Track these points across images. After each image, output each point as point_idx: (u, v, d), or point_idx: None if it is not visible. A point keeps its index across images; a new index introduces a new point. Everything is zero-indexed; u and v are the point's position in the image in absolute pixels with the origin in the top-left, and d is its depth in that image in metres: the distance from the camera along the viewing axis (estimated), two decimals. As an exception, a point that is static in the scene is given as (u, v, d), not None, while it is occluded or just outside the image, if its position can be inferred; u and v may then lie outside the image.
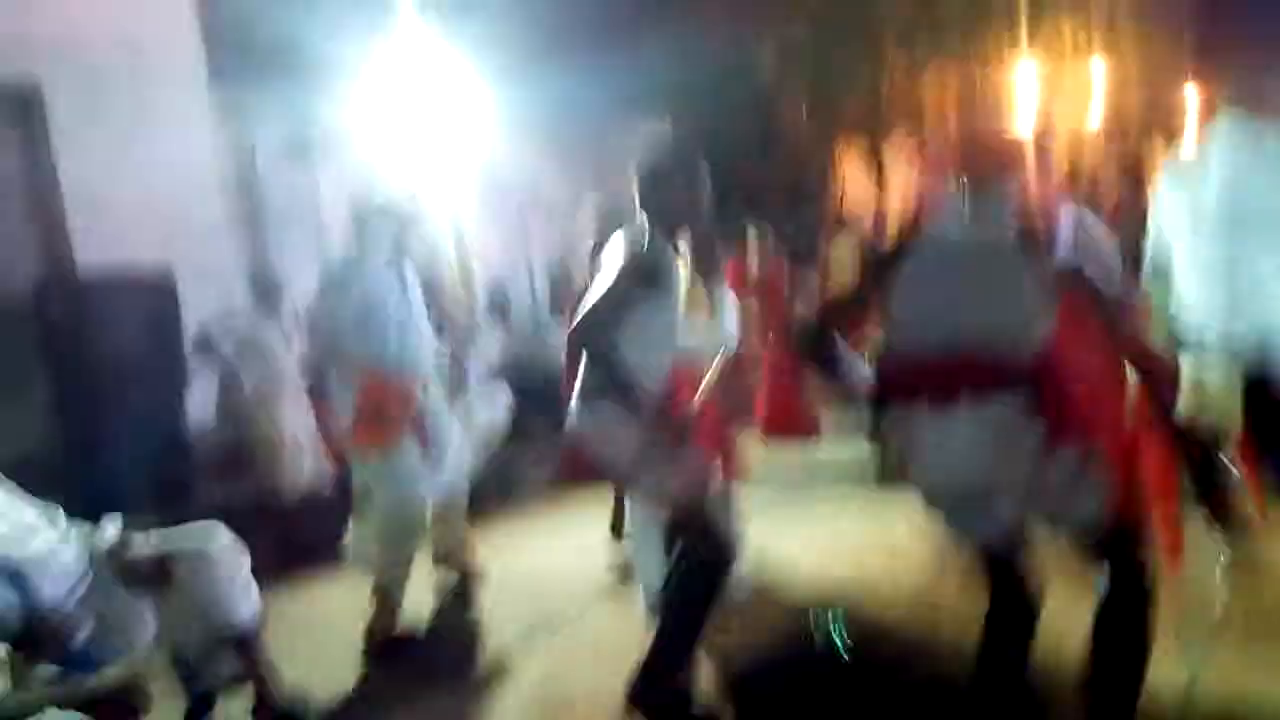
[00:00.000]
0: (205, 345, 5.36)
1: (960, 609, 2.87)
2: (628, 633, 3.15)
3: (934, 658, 2.74)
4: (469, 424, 4.21)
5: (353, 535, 3.57)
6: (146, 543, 2.71)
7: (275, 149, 7.03)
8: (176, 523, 2.91)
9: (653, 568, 3.25)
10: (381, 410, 3.37)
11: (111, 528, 2.71)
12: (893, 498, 4.16)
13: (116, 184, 5.32)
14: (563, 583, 3.90)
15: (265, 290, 5.57)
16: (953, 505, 1.90)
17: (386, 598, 3.38)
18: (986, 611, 1.95)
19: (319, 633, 3.65)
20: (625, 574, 3.68)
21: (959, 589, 3.01)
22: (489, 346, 6.16)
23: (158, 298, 5.44)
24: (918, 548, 3.47)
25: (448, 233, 6.53)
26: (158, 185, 5.49)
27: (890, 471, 4.45)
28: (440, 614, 3.65)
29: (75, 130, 5.37)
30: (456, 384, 5.33)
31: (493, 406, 5.42)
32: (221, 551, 2.78)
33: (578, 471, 3.63)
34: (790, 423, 5.82)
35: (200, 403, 5.51)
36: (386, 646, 3.36)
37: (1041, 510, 1.96)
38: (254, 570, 2.87)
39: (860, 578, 3.46)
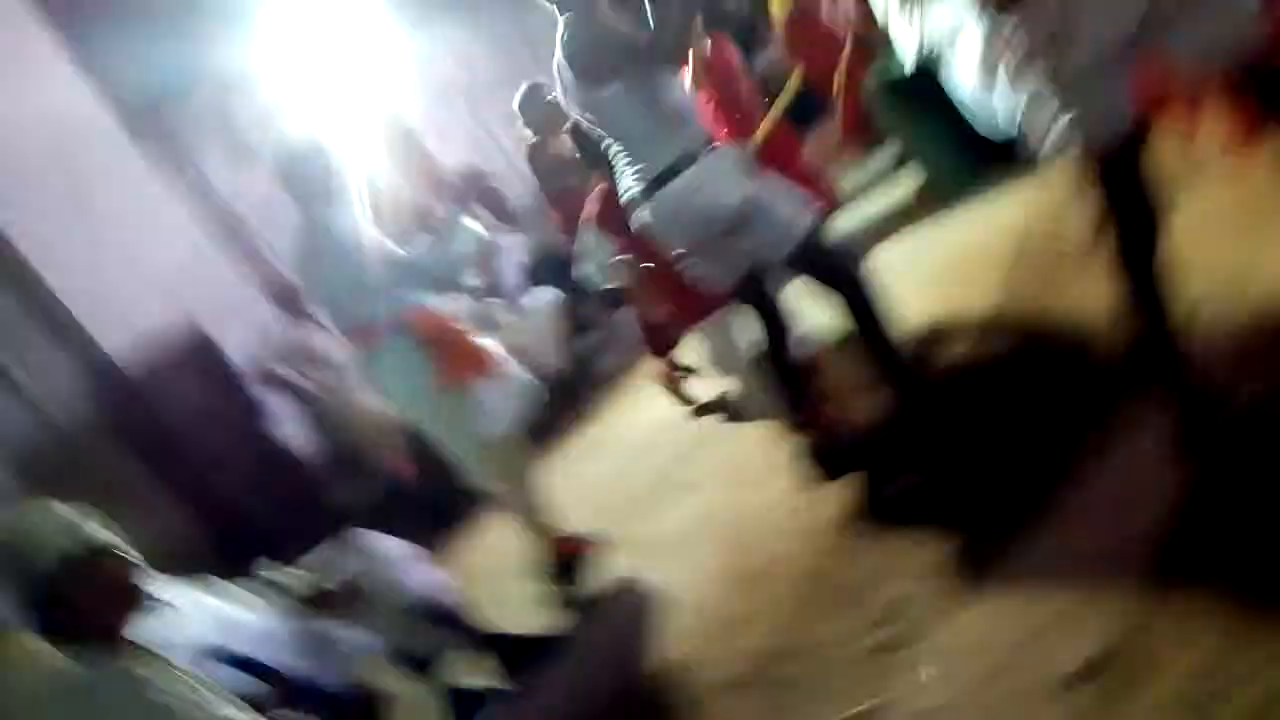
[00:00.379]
0: (263, 376, 5.44)
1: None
2: (763, 452, 3.25)
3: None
4: (534, 329, 4.23)
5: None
6: (320, 575, 2.87)
7: (218, 161, 6.88)
8: (330, 538, 3.07)
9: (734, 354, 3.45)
10: (451, 341, 3.26)
11: (282, 577, 2.87)
12: (939, 221, 4.14)
13: (96, 265, 5.32)
14: (685, 432, 4.01)
15: (285, 297, 5.56)
16: (1090, 76, 1.73)
17: (534, 517, 3.44)
18: (1116, 238, 1.87)
19: (497, 573, 3.84)
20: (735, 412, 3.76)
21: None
22: (513, 249, 6.07)
23: (200, 354, 5.51)
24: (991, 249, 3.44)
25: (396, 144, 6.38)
26: (136, 247, 5.48)
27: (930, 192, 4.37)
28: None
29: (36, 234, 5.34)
30: (504, 294, 5.38)
31: (546, 305, 5.46)
32: (381, 553, 2.93)
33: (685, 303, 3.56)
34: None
35: (293, 428, 5.64)
36: (563, 556, 3.48)
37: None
38: (417, 545, 3.05)
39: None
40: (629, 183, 2.72)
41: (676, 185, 2.59)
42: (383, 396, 3.63)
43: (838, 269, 2.71)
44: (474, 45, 7.79)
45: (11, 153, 5.37)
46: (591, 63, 2.57)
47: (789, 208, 2.69)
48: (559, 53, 2.65)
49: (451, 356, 3.21)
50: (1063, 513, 2.00)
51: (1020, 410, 2.50)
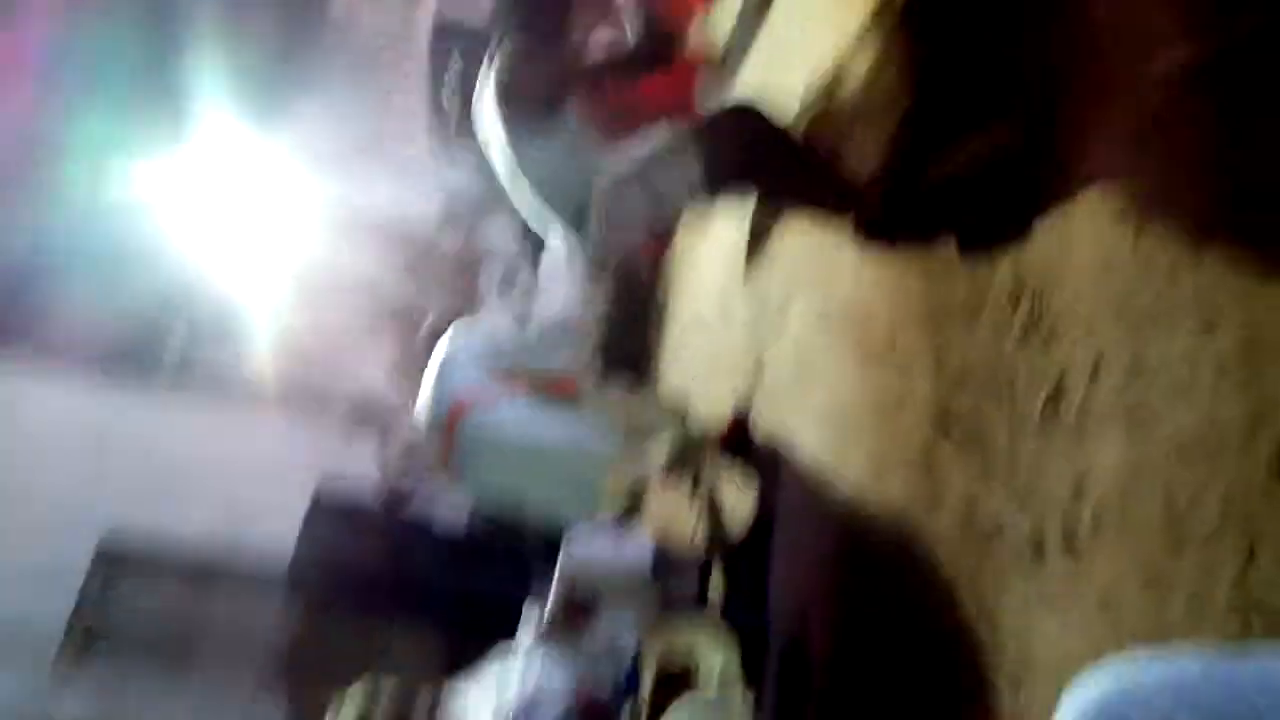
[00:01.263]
0: (393, 496, 5.67)
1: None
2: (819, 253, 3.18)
3: None
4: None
5: None
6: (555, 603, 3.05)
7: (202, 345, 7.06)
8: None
9: None
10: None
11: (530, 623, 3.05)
12: None
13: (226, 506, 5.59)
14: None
15: (364, 416, 5.74)
16: None
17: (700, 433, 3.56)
18: None
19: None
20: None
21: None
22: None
23: (338, 506, 5.77)
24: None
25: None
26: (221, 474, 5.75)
27: None
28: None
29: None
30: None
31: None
32: (582, 554, 3.08)
33: None
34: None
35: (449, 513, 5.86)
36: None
37: None
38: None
39: None
40: None
41: None
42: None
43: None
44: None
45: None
46: None
47: None
48: None
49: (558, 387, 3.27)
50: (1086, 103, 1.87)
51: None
